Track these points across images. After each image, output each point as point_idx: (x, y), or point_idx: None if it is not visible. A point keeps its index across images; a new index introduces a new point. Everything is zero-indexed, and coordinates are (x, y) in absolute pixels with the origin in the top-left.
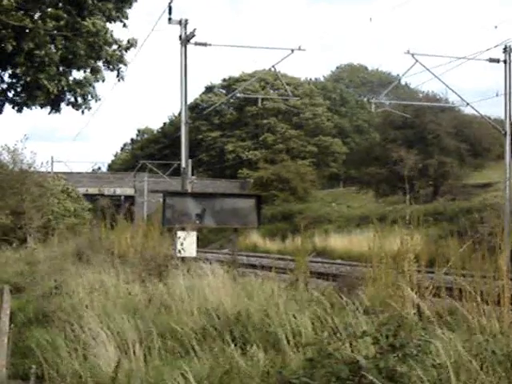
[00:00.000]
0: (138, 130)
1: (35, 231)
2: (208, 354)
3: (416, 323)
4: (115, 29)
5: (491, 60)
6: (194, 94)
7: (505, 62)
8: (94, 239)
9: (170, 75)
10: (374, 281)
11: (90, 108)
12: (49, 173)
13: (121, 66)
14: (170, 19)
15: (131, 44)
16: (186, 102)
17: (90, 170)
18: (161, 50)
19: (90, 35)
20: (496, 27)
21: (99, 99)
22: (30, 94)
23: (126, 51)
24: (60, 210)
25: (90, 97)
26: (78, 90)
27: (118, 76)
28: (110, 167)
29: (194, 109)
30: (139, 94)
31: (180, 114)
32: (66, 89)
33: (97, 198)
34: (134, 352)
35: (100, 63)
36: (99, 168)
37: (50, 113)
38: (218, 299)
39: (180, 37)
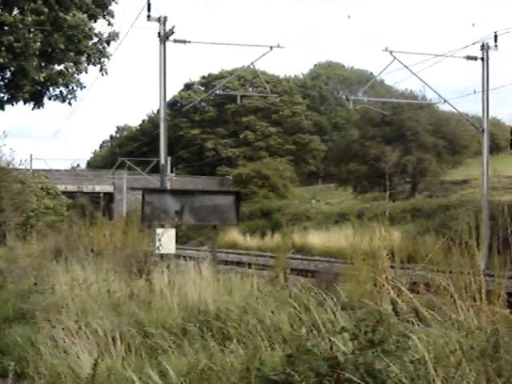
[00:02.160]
0: (117, 128)
1: (14, 228)
2: (187, 350)
3: (394, 319)
4: (98, 26)
5: (469, 58)
6: (173, 91)
7: (482, 59)
8: (73, 236)
9: (149, 72)
10: (352, 277)
11: (75, 97)
12: (28, 170)
13: (103, 59)
14: (148, 16)
15: (112, 37)
16: (164, 99)
17: (69, 168)
18: (140, 47)
19: (69, 28)
20: (473, 25)
21: (84, 87)
22: (16, 84)
23: (108, 44)
24: (39, 208)
25: (74, 86)
26: (60, 81)
27: (101, 70)
28: (88, 164)
29: (173, 106)
30: (118, 91)
31: (159, 111)
32: (48, 80)
33: (76, 196)
34: (115, 349)
35: (83, 58)
36: (78, 165)
37: (33, 108)
38: (197, 296)
39: (159, 34)
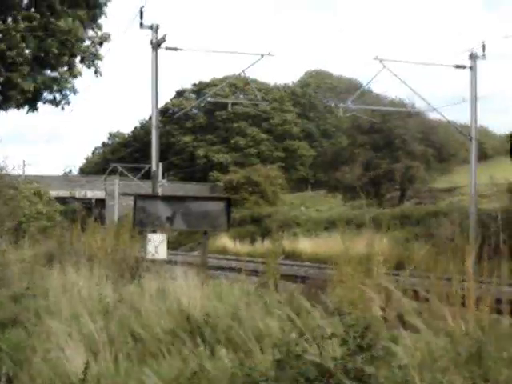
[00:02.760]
0: (110, 134)
1: (6, 233)
2: (177, 355)
3: (382, 325)
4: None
5: (457, 66)
6: (165, 98)
7: (471, 68)
8: (65, 241)
9: (142, 80)
10: (342, 283)
11: (69, 103)
12: (20, 176)
13: (97, 61)
14: (141, 24)
15: (104, 38)
16: (157, 106)
17: (62, 174)
18: (132, 54)
19: (61, 34)
20: (460, 34)
21: (77, 92)
22: (5, 94)
23: (100, 45)
24: (32, 213)
25: (67, 91)
26: (55, 87)
27: (95, 72)
28: (81, 170)
29: (165, 113)
30: (111, 98)
31: (151, 118)
32: (42, 86)
33: (68, 201)
34: (105, 353)
35: (76, 60)
36: (70, 171)
37: (27, 112)
38: (187, 301)
39: (151, 41)
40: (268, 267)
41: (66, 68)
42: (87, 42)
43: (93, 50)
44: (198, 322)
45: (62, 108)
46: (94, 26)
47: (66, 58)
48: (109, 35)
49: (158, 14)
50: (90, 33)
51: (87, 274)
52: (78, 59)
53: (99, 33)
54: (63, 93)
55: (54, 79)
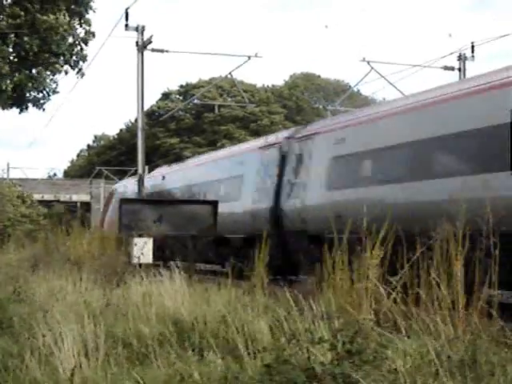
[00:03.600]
0: (95, 136)
1: None
2: (165, 360)
3: (373, 329)
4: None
5: (446, 68)
6: (151, 100)
7: (459, 69)
8: (50, 245)
9: (127, 81)
10: (332, 287)
11: (48, 101)
12: (4, 179)
13: (80, 62)
14: (126, 26)
15: (88, 35)
16: (142, 108)
17: (46, 177)
18: (117, 56)
19: (45, 31)
20: (450, 35)
21: (57, 92)
22: None
23: (86, 44)
24: (16, 216)
25: (48, 91)
26: (30, 85)
27: (78, 72)
28: (65, 173)
29: (151, 115)
30: (95, 100)
31: (137, 120)
32: (22, 84)
33: (52, 205)
34: (92, 359)
35: (59, 60)
36: (55, 174)
37: (20, 112)
38: (175, 305)
39: (137, 43)
40: (257, 271)
41: (46, 66)
42: (71, 40)
43: (77, 48)
44: (186, 327)
45: (43, 109)
46: (82, 21)
47: (46, 56)
48: (93, 33)
49: (143, 15)
50: (79, 30)
51: (74, 279)
52: (60, 60)
53: (87, 28)
54: (44, 92)
55: (33, 78)
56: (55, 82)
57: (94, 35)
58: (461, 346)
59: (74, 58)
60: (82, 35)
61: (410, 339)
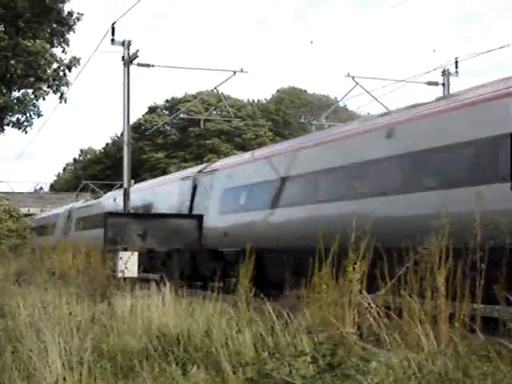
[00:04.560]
0: (81, 150)
1: None
2: (149, 374)
3: (355, 342)
4: (58, 52)
5: (430, 83)
6: (137, 114)
7: (443, 84)
8: (35, 259)
9: (113, 96)
10: (316, 300)
11: (32, 125)
12: None
13: (63, 87)
14: (112, 40)
15: (73, 63)
16: (128, 123)
17: (32, 190)
18: (104, 70)
19: (29, 55)
20: (434, 51)
21: (41, 115)
22: None
23: (69, 70)
24: (2, 230)
25: (31, 114)
26: (16, 108)
27: (60, 98)
28: (52, 187)
29: (137, 129)
30: (82, 114)
31: (123, 134)
32: (5, 106)
33: None
34: (76, 372)
35: (43, 86)
36: (41, 188)
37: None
38: (159, 319)
39: (123, 58)
40: (241, 284)
41: (30, 90)
42: (55, 65)
43: (61, 74)
44: (170, 341)
45: (25, 132)
46: (62, 40)
47: (31, 80)
48: (78, 59)
49: (130, 30)
50: (58, 52)
51: (59, 292)
52: (44, 85)
53: (66, 48)
54: (27, 115)
55: (18, 100)
56: (37, 107)
57: (78, 62)
58: (443, 360)
59: (56, 83)
60: (66, 61)
61: (392, 352)
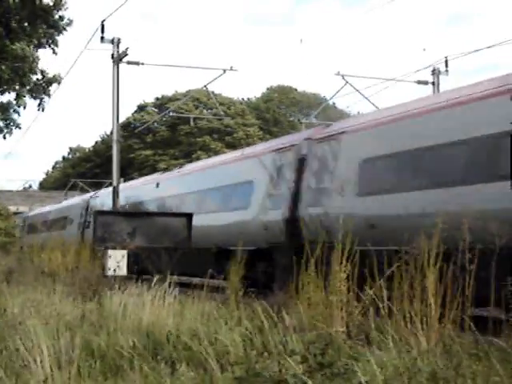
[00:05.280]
0: (70, 148)
1: None
2: (138, 373)
3: (344, 342)
4: (45, 54)
5: (420, 82)
6: (127, 112)
7: (433, 83)
8: (24, 257)
9: (103, 94)
10: (305, 299)
11: (11, 134)
12: None
13: (44, 96)
14: (102, 38)
15: (56, 80)
16: (117, 121)
17: (21, 189)
18: (93, 68)
19: (16, 60)
20: (424, 50)
21: (20, 128)
22: None
23: (50, 84)
24: None
25: (11, 123)
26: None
27: (39, 105)
28: (41, 185)
29: (127, 127)
30: (71, 112)
31: (112, 132)
32: None
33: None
34: (65, 371)
35: (25, 90)
36: (30, 186)
37: None
38: (149, 318)
39: (112, 56)
40: (230, 284)
41: (13, 96)
42: (39, 75)
43: (43, 84)
44: (159, 340)
45: (4, 137)
46: (51, 41)
47: (16, 87)
48: (60, 79)
49: (119, 28)
50: (44, 63)
51: (48, 291)
52: (25, 90)
53: (56, 49)
54: (7, 122)
55: (2, 107)
56: (17, 112)
57: (60, 79)
58: (433, 359)
59: (38, 91)
60: (49, 75)
61: (382, 352)
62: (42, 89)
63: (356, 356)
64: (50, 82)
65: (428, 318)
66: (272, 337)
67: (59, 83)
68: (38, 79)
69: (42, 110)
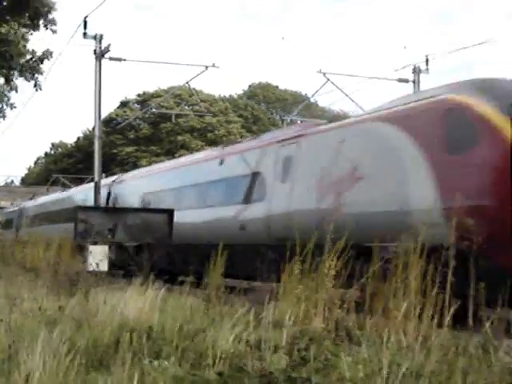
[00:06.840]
0: (52, 144)
1: None
2: (120, 368)
3: (325, 338)
4: (31, 43)
5: (400, 80)
6: (109, 108)
7: (414, 82)
8: (5, 252)
9: (85, 89)
10: (286, 295)
11: (4, 117)
12: None
13: (37, 75)
14: (85, 34)
15: (46, 55)
16: (99, 117)
17: (3, 184)
18: (75, 64)
19: (3, 44)
20: (405, 47)
21: (15, 107)
22: None
23: (42, 62)
24: None
25: (4, 105)
26: None
27: (35, 86)
28: (23, 181)
29: (109, 123)
30: (53, 107)
31: (94, 128)
32: None
33: None
34: (48, 366)
35: (15, 73)
36: (12, 181)
37: None
38: (131, 313)
39: (95, 51)
40: (212, 280)
41: (2, 81)
42: (27, 57)
43: (33, 64)
44: (143, 334)
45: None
46: (47, 22)
47: (3, 71)
48: (51, 52)
49: (102, 24)
50: (32, 45)
51: (30, 286)
52: (16, 72)
53: (54, 27)
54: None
55: None
56: (8, 98)
57: (51, 55)
58: (411, 355)
59: (29, 72)
60: (38, 54)
61: (362, 347)
62: (34, 68)
63: (336, 352)
64: (41, 59)
65: (408, 315)
66: (255, 332)
67: (50, 57)
68: (27, 60)
69: (40, 89)
